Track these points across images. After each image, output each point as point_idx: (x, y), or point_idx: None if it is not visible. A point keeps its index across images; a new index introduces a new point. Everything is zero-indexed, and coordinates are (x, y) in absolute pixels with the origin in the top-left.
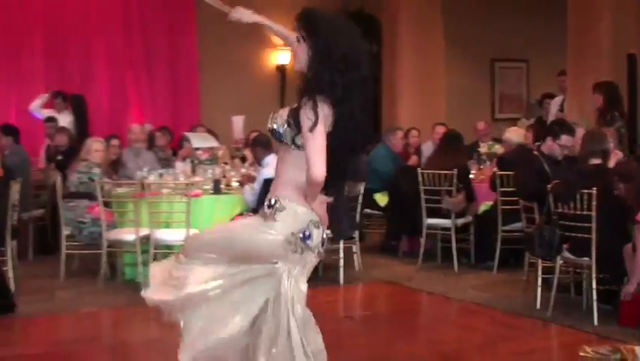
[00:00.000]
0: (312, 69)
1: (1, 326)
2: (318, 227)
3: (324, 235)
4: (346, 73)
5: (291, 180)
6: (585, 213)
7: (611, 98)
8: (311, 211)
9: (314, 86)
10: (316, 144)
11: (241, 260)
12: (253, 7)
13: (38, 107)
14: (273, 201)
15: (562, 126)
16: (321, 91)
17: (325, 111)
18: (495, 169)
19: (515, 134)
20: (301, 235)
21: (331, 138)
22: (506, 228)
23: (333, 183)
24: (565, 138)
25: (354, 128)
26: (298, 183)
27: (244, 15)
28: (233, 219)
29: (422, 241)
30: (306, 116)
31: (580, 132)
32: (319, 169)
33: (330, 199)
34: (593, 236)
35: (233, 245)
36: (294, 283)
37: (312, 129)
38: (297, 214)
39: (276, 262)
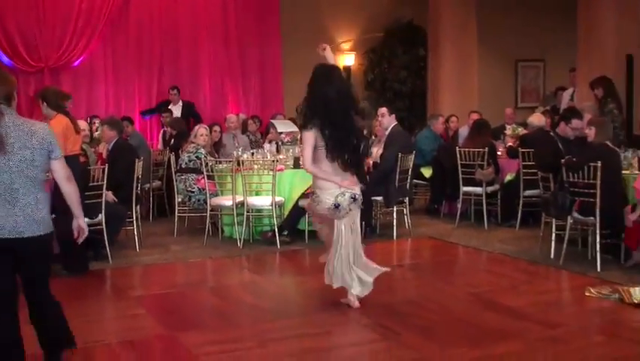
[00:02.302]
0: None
1: (127, 273)
2: (343, 194)
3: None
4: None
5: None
6: (591, 181)
7: (608, 91)
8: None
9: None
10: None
11: None
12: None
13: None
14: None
15: (573, 112)
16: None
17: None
18: (513, 142)
19: (537, 119)
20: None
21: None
22: (527, 194)
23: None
24: (575, 122)
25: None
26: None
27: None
28: (307, 190)
29: (459, 205)
30: None
31: (587, 117)
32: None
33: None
34: (597, 200)
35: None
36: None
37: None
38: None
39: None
